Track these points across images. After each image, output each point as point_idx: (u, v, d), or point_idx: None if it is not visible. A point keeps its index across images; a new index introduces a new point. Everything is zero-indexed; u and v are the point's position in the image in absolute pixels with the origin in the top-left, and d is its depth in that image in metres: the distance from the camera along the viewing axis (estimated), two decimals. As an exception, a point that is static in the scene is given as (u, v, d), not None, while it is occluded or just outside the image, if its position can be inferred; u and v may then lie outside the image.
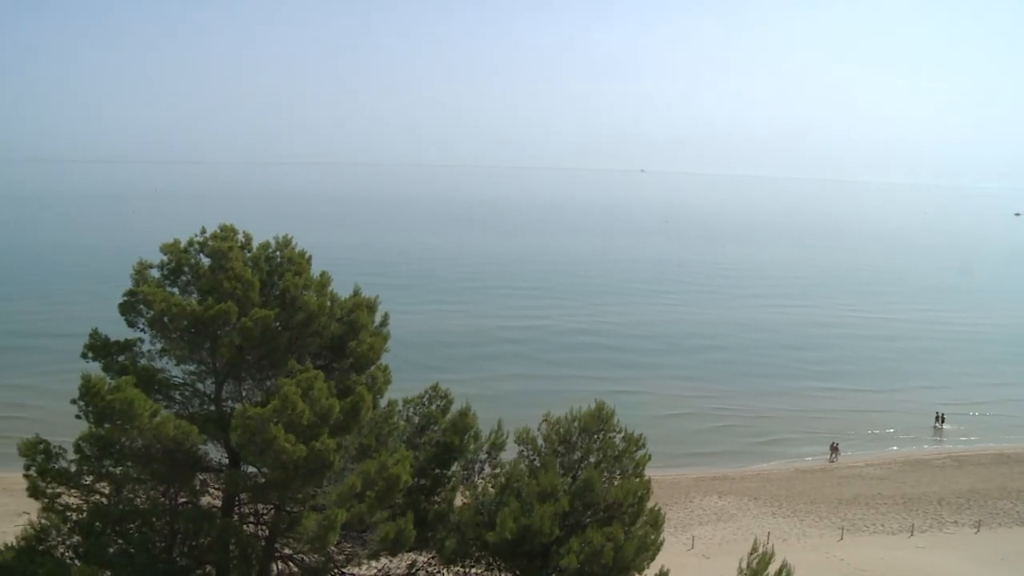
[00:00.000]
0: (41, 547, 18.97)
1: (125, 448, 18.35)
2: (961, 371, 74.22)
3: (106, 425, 17.92)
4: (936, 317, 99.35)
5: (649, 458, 23.45)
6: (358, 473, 19.25)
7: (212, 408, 20.05)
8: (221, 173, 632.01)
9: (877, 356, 79.11)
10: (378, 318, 21.56)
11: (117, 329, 20.04)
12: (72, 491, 19.05)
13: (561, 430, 23.40)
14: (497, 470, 23.59)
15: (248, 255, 20.50)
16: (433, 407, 23.89)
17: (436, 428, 23.58)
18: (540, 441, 23.43)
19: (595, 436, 23.29)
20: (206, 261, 19.94)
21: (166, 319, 18.98)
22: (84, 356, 19.71)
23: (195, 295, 19.75)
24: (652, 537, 22.00)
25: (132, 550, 18.78)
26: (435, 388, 24.23)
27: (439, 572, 23.34)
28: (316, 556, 20.24)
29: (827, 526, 40.95)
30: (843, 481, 47.90)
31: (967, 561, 36.77)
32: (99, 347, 19.83)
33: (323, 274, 21.01)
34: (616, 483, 22.40)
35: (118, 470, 18.93)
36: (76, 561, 18.59)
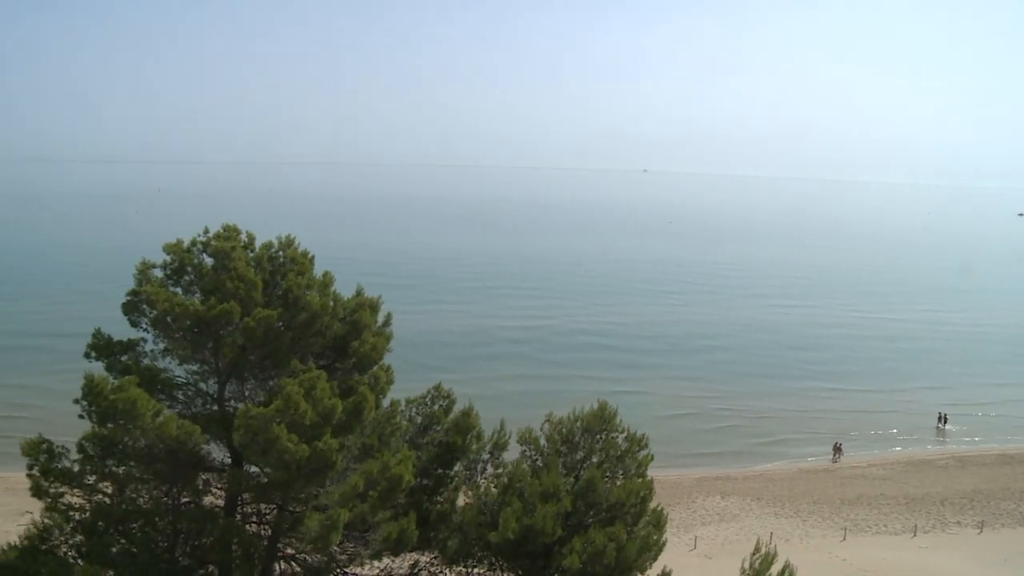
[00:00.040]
0: (44, 546, 18.97)
1: (128, 448, 18.35)
2: (964, 371, 74.14)
3: (109, 425, 17.92)
4: (938, 317, 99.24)
5: (652, 458, 23.41)
6: (361, 473, 19.24)
7: (215, 408, 20.05)
8: (222, 173, 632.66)
9: (879, 356, 79.02)
10: (381, 318, 21.55)
11: (120, 329, 20.06)
12: (75, 491, 19.04)
13: (564, 430, 23.36)
14: (499, 470, 23.56)
15: (251, 255, 20.52)
16: (436, 407, 23.87)
17: (439, 428, 23.56)
18: (542, 441, 23.39)
19: (598, 436, 23.24)
20: (209, 261, 19.94)
21: (169, 319, 18.98)
22: (87, 356, 19.72)
23: (198, 295, 19.76)
24: (655, 537, 21.97)
25: (135, 550, 18.78)
26: (438, 388, 24.20)
27: (441, 572, 23.31)
28: (319, 556, 20.24)
29: (830, 526, 40.91)
30: (846, 481, 47.85)
31: (970, 562, 36.70)
32: (102, 347, 19.85)
33: (326, 274, 21.02)
34: (619, 483, 22.36)
35: (121, 470, 18.92)
36: (79, 561, 18.59)
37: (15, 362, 63.53)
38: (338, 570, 21.06)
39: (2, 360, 63.84)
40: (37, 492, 18.75)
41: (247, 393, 20.37)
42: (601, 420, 23.20)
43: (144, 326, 19.72)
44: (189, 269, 19.96)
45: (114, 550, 18.77)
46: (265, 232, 21.71)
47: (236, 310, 18.68)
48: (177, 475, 19.25)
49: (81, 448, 18.49)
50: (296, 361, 19.57)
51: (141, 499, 19.61)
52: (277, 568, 21.04)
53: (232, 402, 20.13)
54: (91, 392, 17.69)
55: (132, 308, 19.55)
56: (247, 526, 20.65)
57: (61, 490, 18.87)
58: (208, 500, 20.63)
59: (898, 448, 54.93)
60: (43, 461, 18.69)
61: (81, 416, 18.27)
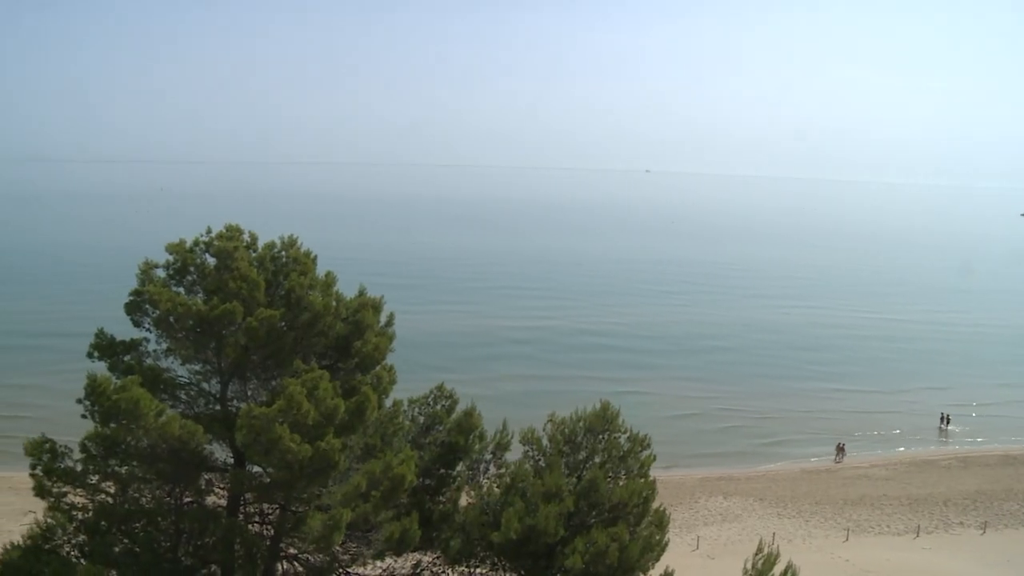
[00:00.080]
0: (47, 546, 18.98)
1: (131, 447, 18.34)
2: (966, 372, 74.02)
3: (112, 424, 17.91)
4: (940, 318, 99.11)
5: (654, 458, 23.40)
6: (363, 473, 19.24)
7: (217, 408, 20.04)
8: (223, 173, 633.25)
9: (882, 357, 78.93)
10: (383, 318, 21.54)
11: (122, 328, 20.06)
12: (78, 490, 19.03)
13: (566, 430, 23.35)
14: (502, 470, 23.54)
15: (254, 255, 20.50)
16: (438, 407, 23.86)
17: (441, 428, 23.55)
18: (545, 441, 23.37)
19: (600, 436, 23.23)
20: (212, 261, 19.94)
21: (172, 319, 18.98)
22: (90, 356, 19.71)
23: (201, 295, 19.75)
24: (657, 537, 21.96)
25: (137, 549, 18.79)
26: (440, 388, 24.19)
27: (444, 572, 23.30)
28: (321, 556, 20.24)
29: (832, 527, 40.87)
30: (848, 482, 47.79)
31: (973, 563, 36.65)
32: (105, 346, 19.84)
33: (328, 274, 21.00)
34: (621, 483, 22.34)
35: (124, 469, 18.91)
36: (82, 560, 18.61)
37: (17, 362, 63.57)
38: (341, 570, 21.05)
39: (4, 360, 63.88)
40: (40, 492, 18.74)
41: (250, 393, 20.37)
42: (604, 420, 23.19)
43: (147, 326, 19.71)
44: (192, 269, 19.95)
45: (117, 550, 18.77)
46: (266, 232, 21.70)
47: (239, 310, 18.67)
48: (180, 475, 19.25)
49: (84, 448, 18.48)
50: (299, 361, 19.57)
51: (144, 499, 19.61)
52: (280, 568, 21.04)
53: (235, 402, 20.12)
54: (94, 392, 17.68)
55: (135, 308, 19.55)
56: (250, 526, 20.65)
57: (64, 490, 18.86)
58: (211, 500, 20.63)
59: (901, 448, 54.86)
60: (46, 461, 18.68)
61: (84, 416, 18.26)
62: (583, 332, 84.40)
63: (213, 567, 19.89)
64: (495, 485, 23.04)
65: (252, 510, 21.27)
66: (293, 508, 20.02)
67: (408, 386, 23.56)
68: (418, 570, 23.59)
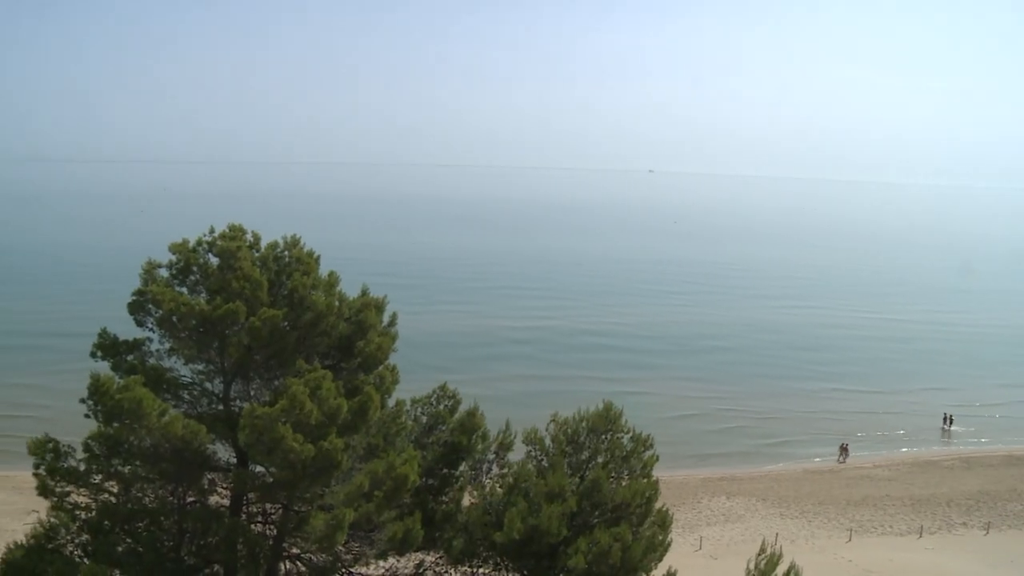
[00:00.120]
0: (50, 545, 18.97)
1: (134, 447, 18.34)
2: (969, 372, 73.96)
3: (115, 424, 17.91)
4: (941, 318, 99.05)
5: (657, 459, 23.38)
6: (366, 473, 19.22)
7: (220, 407, 20.03)
8: (223, 173, 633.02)
9: (885, 357, 78.87)
10: (386, 318, 21.53)
11: (125, 328, 20.05)
12: (81, 490, 19.04)
13: (569, 430, 23.33)
14: (505, 470, 23.53)
15: (256, 255, 20.49)
16: (441, 407, 23.83)
17: (444, 428, 23.53)
18: (548, 441, 23.36)
19: (603, 436, 23.21)
20: (215, 261, 19.93)
21: (175, 318, 18.96)
22: (93, 355, 19.70)
23: (204, 295, 19.74)
24: (660, 538, 21.94)
25: (140, 549, 18.77)
26: (443, 388, 24.16)
27: (447, 572, 23.29)
28: (324, 555, 20.21)
29: (835, 527, 40.82)
30: (851, 482, 47.74)
31: (976, 563, 36.60)
32: (108, 346, 19.83)
33: (331, 274, 20.97)
34: (624, 483, 22.35)
35: (127, 469, 18.92)
36: (85, 559, 18.60)
37: (17, 362, 63.59)
38: (343, 570, 21.02)
39: (6, 360, 63.90)
40: (43, 491, 18.73)
41: (252, 393, 20.35)
42: (606, 420, 23.17)
43: (150, 325, 19.71)
44: (195, 269, 19.94)
45: (120, 549, 18.77)
46: (271, 232, 21.68)
47: (242, 310, 18.65)
48: (183, 474, 19.23)
49: (87, 447, 18.49)
50: (301, 361, 19.54)
51: (147, 498, 19.61)
52: (282, 567, 21.02)
53: (237, 402, 20.11)
54: (97, 391, 17.67)
55: (138, 308, 19.54)
56: (252, 525, 20.62)
57: (67, 489, 18.86)
58: (213, 499, 20.62)
59: (904, 449, 54.81)
60: (49, 460, 18.68)
61: (87, 415, 18.27)
62: (584, 332, 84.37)
63: (216, 567, 19.89)
64: (498, 485, 23.03)
65: (255, 510, 21.24)
66: (296, 508, 19.99)
67: (410, 386, 23.50)
68: (421, 570, 23.56)
